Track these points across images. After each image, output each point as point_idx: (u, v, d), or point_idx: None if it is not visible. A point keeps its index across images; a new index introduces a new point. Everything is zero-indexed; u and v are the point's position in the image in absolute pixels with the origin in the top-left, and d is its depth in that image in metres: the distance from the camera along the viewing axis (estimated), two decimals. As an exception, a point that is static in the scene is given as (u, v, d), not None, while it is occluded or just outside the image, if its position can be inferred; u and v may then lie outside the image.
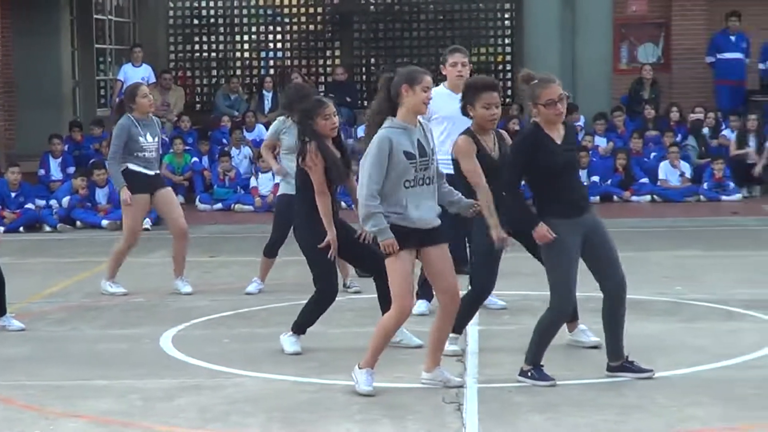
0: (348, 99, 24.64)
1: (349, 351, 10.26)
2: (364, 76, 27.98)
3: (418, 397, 8.80)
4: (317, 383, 9.30)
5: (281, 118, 13.06)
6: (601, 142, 22.96)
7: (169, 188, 13.61)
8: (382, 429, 8.11)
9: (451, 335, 9.61)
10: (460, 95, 10.30)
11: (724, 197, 21.57)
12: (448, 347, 9.74)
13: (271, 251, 13.27)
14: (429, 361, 9.17)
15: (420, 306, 11.33)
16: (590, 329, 10.29)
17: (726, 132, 22.94)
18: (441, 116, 11.48)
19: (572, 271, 9.09)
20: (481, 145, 9.94)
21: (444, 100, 11.38)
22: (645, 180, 21.88)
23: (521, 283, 12.49)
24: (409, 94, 8.86)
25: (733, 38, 24.06)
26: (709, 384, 9.09)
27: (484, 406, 8.53)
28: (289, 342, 10.37)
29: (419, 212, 8.83)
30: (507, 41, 27.67)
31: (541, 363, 9.17)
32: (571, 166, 9.26)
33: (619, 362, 9.27)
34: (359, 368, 9.00)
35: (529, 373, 9.13)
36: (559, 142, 9.13)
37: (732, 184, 21.80)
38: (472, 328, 10.81)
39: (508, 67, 27.37)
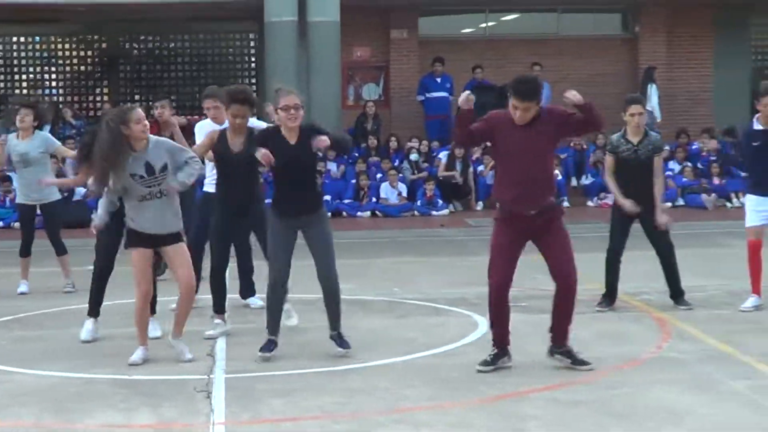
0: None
1: (114, 347, 10.11)
2: (129, 111, 27.57)
3: (173, 387, 8.68)
4: (85, 377, 9.09)
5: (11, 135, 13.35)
6: (332, 166, 23.12)
7: None
8: (141, 416, 7.98)
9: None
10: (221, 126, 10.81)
11: (434, 212, 21.94)
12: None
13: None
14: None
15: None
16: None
17: (442, 155, 23.30)
18: None
19: (282, 243, 9.48)
20: (225, 141, 10.33)
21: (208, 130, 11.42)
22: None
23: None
24: (126, 132, 9.23)
25: (438, 80, 24.51)
26: (421, 370, 9.20)
27: (230, 393, 8.47)
28: None
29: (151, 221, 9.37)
30: (253, 80, 27.62)
31: (274, 331, 9.64)
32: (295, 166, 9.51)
33: (336, 332, 9.72)
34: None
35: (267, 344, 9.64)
36: (292, 143, 9.46)
37: (441, 201, 22.19)
38: (227, 325, 10.76)
39: (254, 104, 27.31)
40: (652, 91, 24.21)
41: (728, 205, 22.47)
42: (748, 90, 26.75)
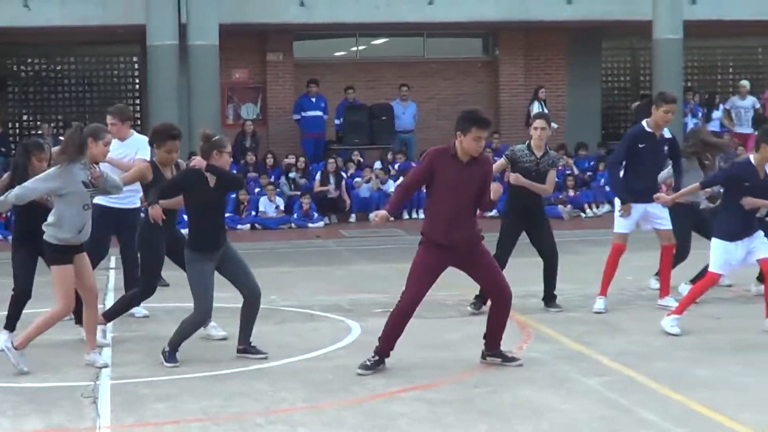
0: (2, 149, 24.03)
1: (2, 356, 9.89)
2: (18, 130, 27.07)
3: (60, 394, 8.53)
4: (-26, 386, 8.89)
5: None
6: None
7: None
8: (30, 422, 7.82)
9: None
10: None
11: (310, 224, 21.88)
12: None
13: None
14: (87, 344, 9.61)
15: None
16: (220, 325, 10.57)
17: (318, 175, 23.28)
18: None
19: (209, 282, 9.42)
20: (160, 173, 10.31)
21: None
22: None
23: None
24: (92, 146, 9.38)
25: (313, 100, 24.48)
26: (297, 372, 9.17)
27: (116, 399, 8.36)
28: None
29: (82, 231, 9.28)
30: (137, 102, 27.30)
31: (177, 350, 9.46)
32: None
33: (243, 346, 9.72)
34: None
35: (165, 353, 9.44)
36: (212, 185, 9.46)
37: (316, 214, 22.15)
38: (108, 335, 10.58)
39: (138, 123, 27.00)
40: (535, 108, 24.57)
41: (582, 215, 22.82)
42: (599, 109, 27.27)
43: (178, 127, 10.62)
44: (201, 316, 9.48)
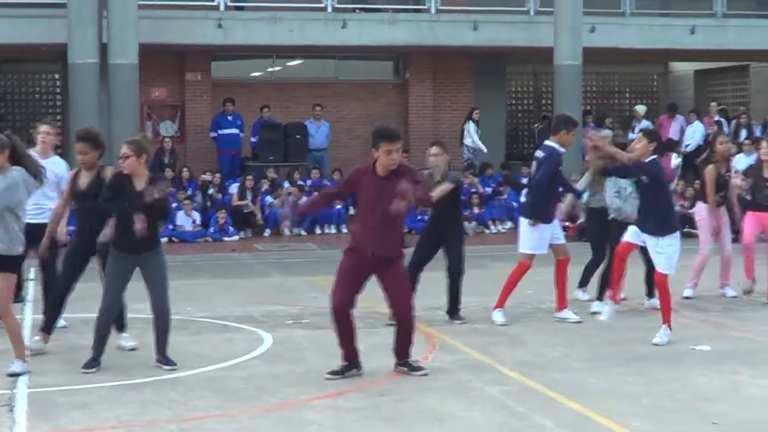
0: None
1: None
2: (-61, 144, 26.56)
3: (-23, 402, 8.39)
4: None
5: None
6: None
7: None
8: (-54, 430, 7.69)
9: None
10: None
11: (225, 238, 21.72)
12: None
13: None
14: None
15: None
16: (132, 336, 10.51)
17: (233, 187, 23.13)
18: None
19: (119, 280, 9.51)
20: (76, 180, 10.17)
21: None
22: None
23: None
24: None
25: (230, 118, 24.37)
26: (210, 381, 9.10)
27: (32, 407, 8.23)
28: None
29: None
30: (59, 118, 26.94)
31: (100, 353, 9.52)
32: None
33: (157, 356, 9.66)
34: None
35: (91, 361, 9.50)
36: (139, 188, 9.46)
37: (232, 228, 22.01)
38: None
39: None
40: (470, 127, 24.77)
41: (486, 231, 22.97)
42: (504, 130, 27.51)
43: (91, 131, 10.28)
44: (107, 307, 9.51)
